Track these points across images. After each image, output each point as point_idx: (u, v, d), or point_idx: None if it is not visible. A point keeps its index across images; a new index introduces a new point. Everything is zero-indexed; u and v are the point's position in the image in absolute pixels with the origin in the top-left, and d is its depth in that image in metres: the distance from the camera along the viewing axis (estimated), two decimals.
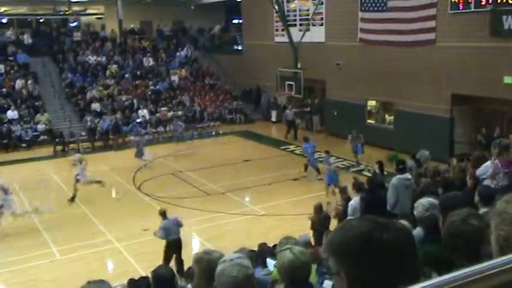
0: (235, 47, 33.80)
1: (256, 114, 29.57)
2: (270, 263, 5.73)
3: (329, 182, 15.30)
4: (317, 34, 24.74)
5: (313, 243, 9.50)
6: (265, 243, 8.63)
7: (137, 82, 29.16)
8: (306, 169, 17.74)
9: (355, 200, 8.90)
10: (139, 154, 20.39)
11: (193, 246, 13.09)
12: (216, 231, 13.46)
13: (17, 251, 12.54)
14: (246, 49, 31.32)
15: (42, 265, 11.84)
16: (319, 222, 10.79)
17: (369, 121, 23.06)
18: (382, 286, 1.30)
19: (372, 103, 23.22)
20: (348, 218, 8.58)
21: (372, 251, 1.32)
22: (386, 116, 22.56)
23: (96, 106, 26.39)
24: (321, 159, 17.40)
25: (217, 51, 33.84)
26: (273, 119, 28.51)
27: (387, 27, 19.67)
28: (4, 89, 26.24)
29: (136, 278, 6.72)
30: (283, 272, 3.05)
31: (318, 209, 11.07)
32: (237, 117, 28.84)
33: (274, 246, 6.93)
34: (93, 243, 12.87)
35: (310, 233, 10.53)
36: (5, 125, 24.01)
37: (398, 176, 8.81)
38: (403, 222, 4.14)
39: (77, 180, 16.15)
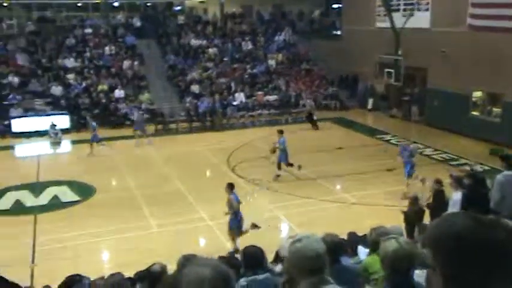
0: (334, 32, 33.26)
1: (352, 101, 29.03)
2: (362, 250, 5.60)
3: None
4: (421, 20, 23.64)
5: (404, 235, 9.19)
6: (354, 232, 8.49)
7: (235, 65, 29.74)
8: (280, 168, 16.70)
9: (456, 195, 8.45)
10: (95, 139, 20.14)
11: (282, 230, 13.21)
12: (305, 217, 13.47)
13: (120, 221, 13.40)
14: (345, 34, 30.71)
15: (141, 235, 12.57)
16: (413, 214, 10.41)
17: (473, 113, 21.75)
18: None
19: (477, 94, 21.85)
20: (448, 212, 8.18)
21: (472, 251, 1.23)
22: (493, 108, 21.13)
23: (195, 88, 27.34)
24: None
25: (315, 36, 33.53)
26: (369, 106, 27.85)
27: (501, 12, 18.28)
28: (113, 69, 27.94)
29: (227, 256, 6.89)
30: (386, 260, 2.98)
31: (413, 200, 10.68)
32: (332, 103, 28.51)
33: (365, 235, 6.79)
34: (187, 220, 13.43)
35: (403, 225, 10.20)
36: (113, 103, 25.62)
37: (505, 173, 8.21)
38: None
39: None
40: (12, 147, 21.87)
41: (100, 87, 26.46)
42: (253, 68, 29.87)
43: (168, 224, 13.20)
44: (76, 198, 15.38)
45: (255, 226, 11.77)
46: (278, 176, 16.51)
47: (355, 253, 6.03)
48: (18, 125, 23.41)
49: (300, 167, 16.78)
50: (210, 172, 18.33)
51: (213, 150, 20.43)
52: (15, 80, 25.80)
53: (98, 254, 12.00)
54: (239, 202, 11.65)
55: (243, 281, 4.06)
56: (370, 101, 27.79)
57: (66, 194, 15.67)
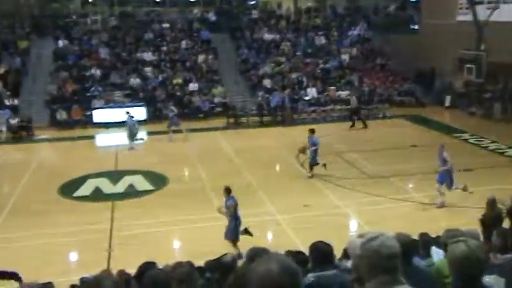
0: (411, 27, 32.21)
1: (428, 98, 28.02)
2: (436, 251, 5.40)
3: None
4: (507, 12, 22.36)
5: (481, 240, 8.77)
6: (426, 233, 8.19)
7: (308, 60, 29.56)
8: (324, 166, 16.23)
9: None
10: (131, 136, 20.58)
11: (350, 227, 13.04)
12: (375, 215, 13.20)
13: (191, 211, 13.75)
14: (422, 28, 29.67)
15: (211, 226, 12.81)
16: (491, 218, 9.90)
17: None
18: None
19: None
20: None
21: None
22: None
23: (267, 82, 27.47)
24: None
25: (391, 30, 32.59)
26: (447, 104, 26.75)
27: None
28: (188, 63, 28.66)
29: (294, 251, 6.89)
30: (454, 265, 2.85)
31: (491, 203, 10.15)
32: (407, 100, 27.66)
33: (438, 237, 6.55)
34: (256, 213, 13.53)
35: (479, 229, 9.74)
36: (187, 96, 26.29)
37: None
38: None
39: None
40: (93, 137, 23.04)
41: (175, 81, 27.23)
42: (325, 62, 29.56)
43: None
44: (150, 187, 15.97)
45: (247, 232, 11.31)
46: (324, 165, 16.23)
47: (427, 255, 5.83)
48: (99, 115, 24.62)
49: (312, 176, 16.30)
50: (279, 166, 18.38)
51: (282, 144, 20.44)
52: (98, 72, 27.13)
53: (170, 243, 12.39)
54: (236, 205, 11.33)
55: (310, 277, 4.05)
56: (448, 98, 26.68)
57: (142, 183, 16.31)
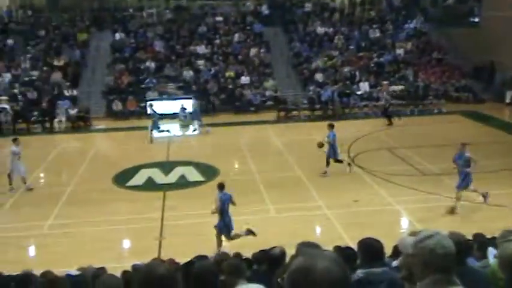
0: (471, 19, 30.98)
1: (487, 93, 26.96)
2: (493, 253, 5.22)
3: None
4: None
5: None
6: (481, 234, 7.90)
7: (361, 54, 29.07)
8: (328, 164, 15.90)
9: None
10: (154, 127, 20.97)
11: (401, 224, 12.78)
12: (428, 213, 12.88)
13: (240, 203, 13.78)
14: (483, 21, 28.47)
15: (259, 219, 12.88)
16: None
17: None
18: None
19: None
20: None
21: None
22: None
23: (319, 76, 27.23)
24: None
25: (449, 23, 31.47)
26: (508, 100, 25.65)
27: None
28: (240, 56, 28.80)
29: (343, 246, 6.83)
30: (504, 264, 2.76)
31: None
32: (465, 95, 26.71)
33: (493, 238, 6.30)
34: (304, 207, 13.52)
35: None
36: (238, 89, 26.46)
37: None
38: None
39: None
40: (146, 128, 23.55)
41: (227, 74, 27.44)
42: (379, 56, 28.97)
43: (286, 210, 13.39)
44: (201, 178, 16.20)
45: (250, 232, 11.06)
46: (325, 172, 15.92)
47: (483, 256, 5.63)
48: (153, 107, 25.11)
49: (350, 165, 16.06)
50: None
51: None
52: (152, 65, 27.72)
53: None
54: (231, 203, 11.13)
55: (359, 273, 4.00)
56: (509, 94, 25.58)
57: (193, 174, 16.58)
